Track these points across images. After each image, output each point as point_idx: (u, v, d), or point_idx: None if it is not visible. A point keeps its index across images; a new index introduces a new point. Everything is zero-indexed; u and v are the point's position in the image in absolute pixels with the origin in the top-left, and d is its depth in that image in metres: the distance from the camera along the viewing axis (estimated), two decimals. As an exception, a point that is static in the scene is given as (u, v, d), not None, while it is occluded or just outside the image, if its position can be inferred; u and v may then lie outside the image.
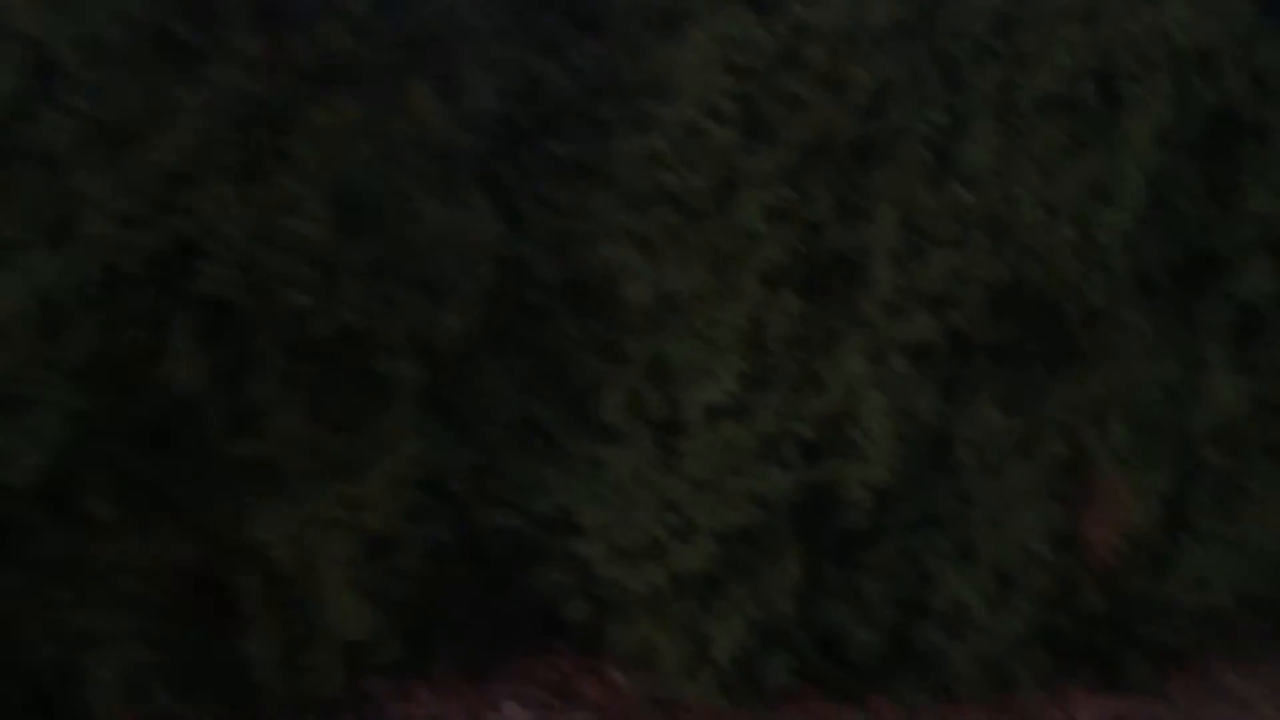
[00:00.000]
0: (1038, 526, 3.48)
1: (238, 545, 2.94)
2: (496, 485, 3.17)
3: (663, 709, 3.31)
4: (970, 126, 3.29)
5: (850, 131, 3.21)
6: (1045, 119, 3.35)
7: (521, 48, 3.12)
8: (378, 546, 2.99)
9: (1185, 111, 3.53)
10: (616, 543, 3.18)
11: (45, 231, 2.68)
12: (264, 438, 2.89)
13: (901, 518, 3.42)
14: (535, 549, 3.21)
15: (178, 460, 2.91)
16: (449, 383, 3.05)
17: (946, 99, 3.28)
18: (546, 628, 3.32)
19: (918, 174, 3.27)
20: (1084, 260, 3.43)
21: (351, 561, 2.96)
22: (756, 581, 3.26)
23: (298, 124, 2.86)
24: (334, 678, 3.02)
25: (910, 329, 3.32)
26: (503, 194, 3.07)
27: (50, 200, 2.68)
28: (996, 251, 3.34)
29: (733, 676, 3.26)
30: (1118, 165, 3.42)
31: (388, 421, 2.96)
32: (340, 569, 2.94)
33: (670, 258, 3.17)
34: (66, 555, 2.79)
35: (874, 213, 3.25)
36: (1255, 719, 3.78)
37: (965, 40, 3.27)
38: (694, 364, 3.18)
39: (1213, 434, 3.66)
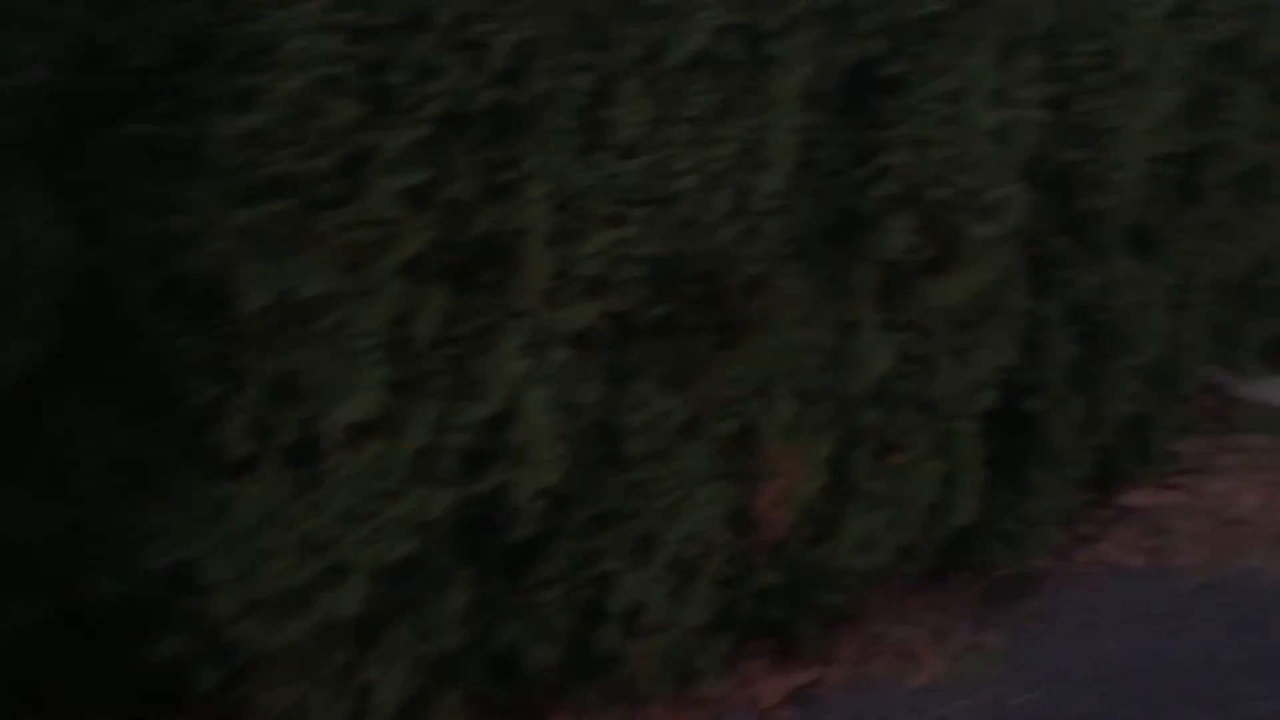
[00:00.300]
0: (712, 511, 2.72)
1: None
2: (95, 544, 2.13)
3: (323, 769, 2.36)
4: (619, 91, 2.42)
5: (490, 100, 2.28)
6: (695, 81, 2.52)
7: (81, 6, 2.04)
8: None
9: (827, 68, 2.78)
10: (250, 596, 2.19)
11: None
12: None
13: (574, 521, 2.59)
14: (153, 613, 2.19)
15: None
16: (18, 429, 1.98)
17: (592, 61, 2.39)
18: (174, 699, 2.30)
19: (567, 145, 2.39)
20: (741, 228, 2.65)
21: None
22: (420, 616, 2.37)
23: None
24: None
25: (570, 316, 2.49)
26: (69, 190, 2.00)
27: None
28: (654, 225, 2.51)
29: (401, 723, 2.35)
30: (768, 127, 2.64)
31: (-67, 490, 1.88)
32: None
33: (291, 256, 2.19)
34: None
35: (524, 190, 2.36)
36: (918, 666, 3.15)
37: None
38: (329, 377, 2.23)
39: (869, 395, 2.98)
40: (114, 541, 2.21)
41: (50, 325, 2.03)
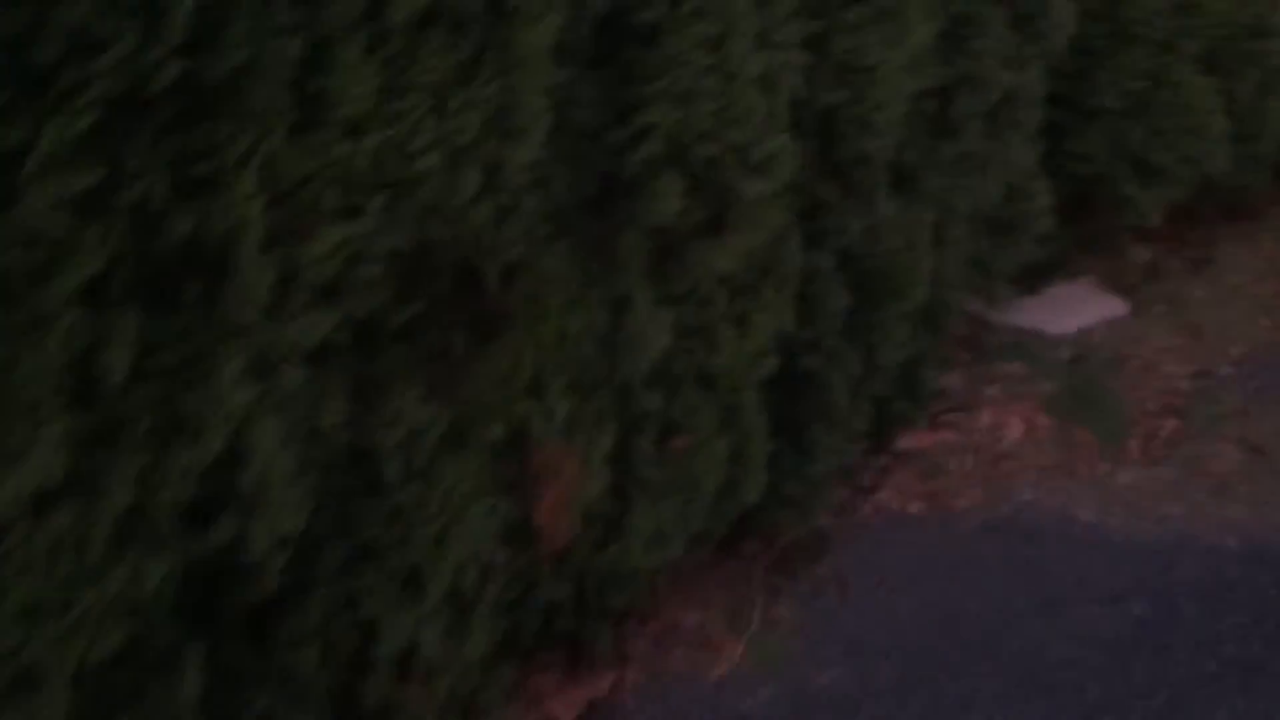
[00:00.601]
0: (487, 530, 2.30)
1: None
2: None
3: None
4: (337, 57, 1.93)
5: (175, 76, 1.75)
6: (428, 40, 2.04)
7: None
8: None
9: (576, 18, 2.35)
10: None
11: None
12: None
13: (328, 564, 2.12)
14: None
15: None
16: None
17: (300, 21, 1.88)
18: None
19: (278, 126, 1.88)
20: (494, 208, 2.21)
21: None
22: (144, 710, 1.85)
23: None
24: None
25: (301, 329, 2.01)
26: None
27: None
28: (394, 214, 2.04)
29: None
30: (516, 89, 2.19)
31: None
32: None
33: (-77, 291, 1.62)
34: None
35: (229, 184, 1.84)
36: (715, 655, 2.85)
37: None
38: (-7, 439, 1.67)
39: (648, 377, 2.61)
40: None
41: None
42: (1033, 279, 4.76)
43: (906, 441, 3.82)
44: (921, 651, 2.99)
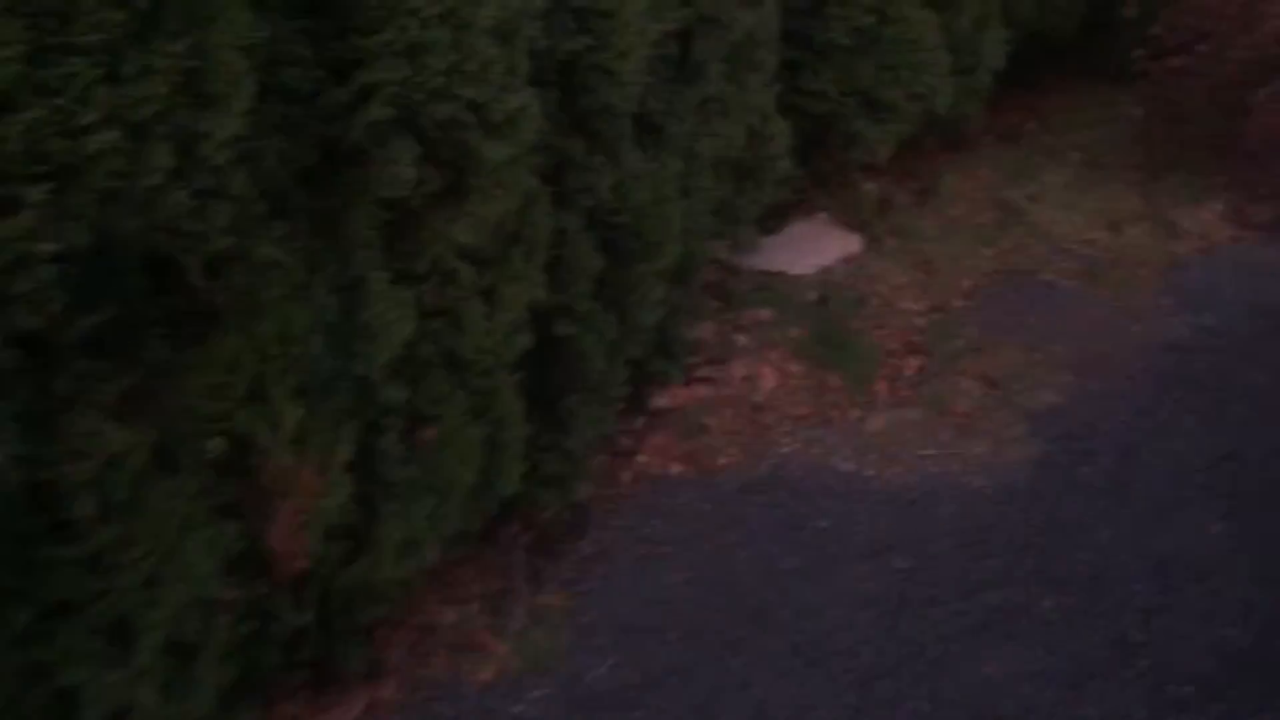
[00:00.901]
0: (208, 564, 1.92)
1: None
2: None
3: None
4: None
5: None
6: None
7: None
8: None
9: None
10: None
11: None
12: None
13: (9, 629, 1.71)
14: None
15: None
16: None
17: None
18: None
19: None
20: (192, 191, 1.81)
21: None
22: None
23: None
24: None
25: (-53, 355, 1.55)
26: None
27: None
28: (63, 205, 1.62)
29: None
30: (209, 48, 1.80)
31: None
32: None
33: None
34: None
35: None
36: (479, 657, 2.61)
37: None
38: None
39: (389, 369, 2.27)
40: None
41: None
42: (772, 220, 4.63)
43: (663, 400, 3.62)
44: (697, 628, 2.81)
